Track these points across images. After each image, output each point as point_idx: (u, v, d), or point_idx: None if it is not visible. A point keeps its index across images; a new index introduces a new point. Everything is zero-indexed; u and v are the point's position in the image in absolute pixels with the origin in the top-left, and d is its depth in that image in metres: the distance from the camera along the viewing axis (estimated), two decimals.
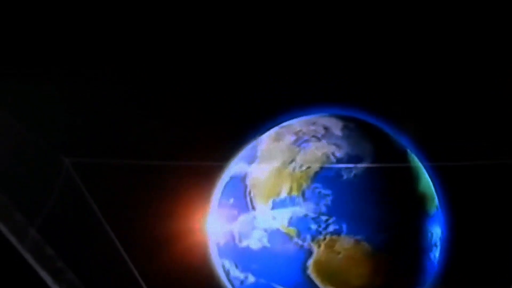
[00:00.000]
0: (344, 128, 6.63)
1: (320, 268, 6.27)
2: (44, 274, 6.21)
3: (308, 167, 6.41)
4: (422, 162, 6.66)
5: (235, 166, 6.64)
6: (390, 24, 6.44)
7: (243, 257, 6.44)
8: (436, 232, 6.63)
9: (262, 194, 6.40)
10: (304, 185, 6.37)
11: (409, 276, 6.55)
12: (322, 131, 6.60)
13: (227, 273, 6.56)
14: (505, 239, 6.51)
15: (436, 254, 6.63)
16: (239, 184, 6.56)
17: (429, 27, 6.43)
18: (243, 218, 6.43)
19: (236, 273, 6.47)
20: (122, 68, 6.51)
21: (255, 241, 6.37)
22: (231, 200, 6.52)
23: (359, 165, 6.38)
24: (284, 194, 6.35)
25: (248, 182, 6.52)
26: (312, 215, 6.26)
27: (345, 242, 6.26)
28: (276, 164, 6.46)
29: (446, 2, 6.37)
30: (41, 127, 6.42)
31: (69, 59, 6.50)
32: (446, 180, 6.65)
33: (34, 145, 6.39)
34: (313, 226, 6.28)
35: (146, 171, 6.49)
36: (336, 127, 6.63)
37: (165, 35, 6.48)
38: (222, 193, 6.65)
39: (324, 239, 6.25)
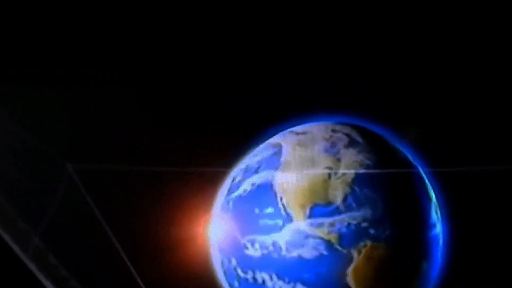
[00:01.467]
0: (363, 136, 6.58)
1: (358, 275, 6.23)
2: (47, 283, 6.21)
3: (344, 174, 6.31)
4: (423, 168, 6.64)
5: (259, 174, 6.47)
6: (387, 28, 6.37)
7: (293, 267, 6.22)
8: (438, 237, 6.62)
9: (298, 203, 6.23)
10: (344, 192, 6.28)
11: (414, 280, 6.56)
12: (346, 139, 6.53)
13: (258, 284, 6.41)
14: (509, 245, 6.50)
15: (438, 259, 6.63)
16: (269, 193, 6.35)
17: (427, 32, 6.38)
18: (290, 227, 6.27)
19: (278, 284, 6.32)
20: (125, 74, 6.45)
21: (308, 250, 6.25)
22: (270, 210, 6.27)
23: (362, 171, 6.34)
24: (323, 201, 6.25)
25: (279, 190, 6.33)
26: (353, 221, 6.21)
27: (382, 248, 6.23)
28: (310, 171, 6.34)
29: (449, 7, 6.30)
30: (43, 132, 6.37)
31: (72, 64, 6.43)
32: (447, 186, 6.62)
33: (36, 151, 6.34)
34: (356, 232, 6.22)
35: (149, 177, 6.46)
36: (356, 135, 6.57)
37: (169, 41, 6.41)
38: (245, 202, 6.43)
39: (365, 245, 6.20)
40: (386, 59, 6.39)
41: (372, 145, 6.52)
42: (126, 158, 6.46)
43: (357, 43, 6.35)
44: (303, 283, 6.22)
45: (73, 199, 6.36)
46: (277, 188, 6.31)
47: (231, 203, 6.52)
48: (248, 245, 6.31)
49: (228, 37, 6.39)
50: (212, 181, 6.55)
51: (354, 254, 6.18)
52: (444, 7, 6.30)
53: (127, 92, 6.49)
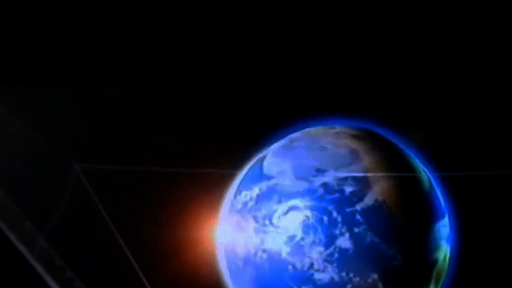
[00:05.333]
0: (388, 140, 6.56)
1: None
2: (52, 284, 6.17)
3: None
4: (431, 173, 6.57)
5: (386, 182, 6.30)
6: (396, 30, 6.33)
7: None
8: (446, 243, 6.57)
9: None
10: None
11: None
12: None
13: None
14: None
15: (442, 268, 6.58)
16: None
17: (437, 36, 6.32)
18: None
19: None
20: (133, 74, 6.41)
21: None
22: None
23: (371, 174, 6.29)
24: None
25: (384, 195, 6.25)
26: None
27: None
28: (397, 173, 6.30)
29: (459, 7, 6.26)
30: (50, 132, 6.34)
31: (81, 63, 6.40)
32: (456, 191, 6.56)
33: (43, 150, 6.32)
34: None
35: (157, 178, 6.41)
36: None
37: (176, 42, 6.37)
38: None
39: None
40: (393, 61, 6.33)
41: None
42: (134, 158, 6.41)
43: (365, 45, 6.31)
44: None
45: (80, 199, 6.33)
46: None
47: (358, 216, 6.16)
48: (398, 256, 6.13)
49: (236, 38, 6.36)
50: (220, 183, 6.49)
51: None
52: (454, 7, 6.26)
53: (135, 92, 6.45)
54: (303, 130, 6.51)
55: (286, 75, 6.33)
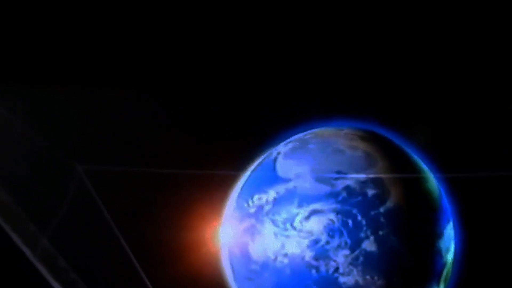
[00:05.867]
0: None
1: None
2: (56, 285, 6.19)
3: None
4: (435, 174, 6.45)
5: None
6: (397, 30, 6.20)
7: None
8: (453, 244, 6.49)
9: None
10: None
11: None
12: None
13: None
14: None
15: (450, 270, 6.50)
16: None
17: (440, 36, 6.19)
18: None
19: None
20: (133, 74, 6.35)
21: None
22: None
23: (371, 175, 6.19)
24: None
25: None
26: None
27: None
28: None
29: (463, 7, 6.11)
30: (52, 133, 6.32)
31: (84, 64, 6.35)
32: (461, 193, 6.45)
33: (45, 152, 6.29)
34: None
35: (160, 179, 6.37)
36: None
37: (180, 43, 6.30)
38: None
39: None
40: (396, 63, 6.21)
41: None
42: (137, 159, 6.37)
43: (366, 45, 6.18)
44: None
45: (82, 201, 6.31)
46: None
47: (382, 218, 6.11)
48: None
49: (238, 39, 6.26)
50: (224, 184, 6.42)
51: None
52: (454, 7, 6.12)
53: (138, 93, 6.38)
54: (310, 131, 6.42)
55: (288, 76, 6.23)
